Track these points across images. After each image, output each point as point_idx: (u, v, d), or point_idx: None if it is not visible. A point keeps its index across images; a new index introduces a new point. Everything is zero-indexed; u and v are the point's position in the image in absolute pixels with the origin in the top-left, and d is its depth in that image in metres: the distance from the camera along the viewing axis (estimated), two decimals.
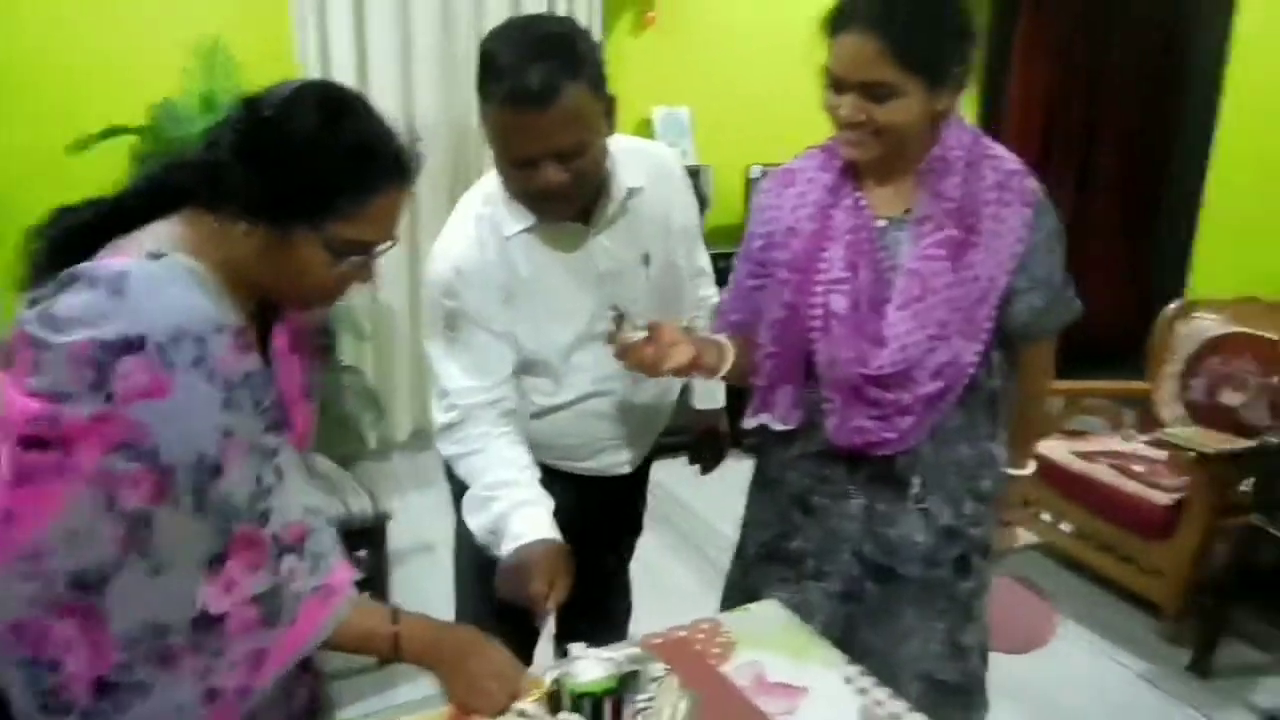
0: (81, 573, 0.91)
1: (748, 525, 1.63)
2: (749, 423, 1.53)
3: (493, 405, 1.49)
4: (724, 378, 1.50)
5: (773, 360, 1.46)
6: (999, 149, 1.40)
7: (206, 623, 0.97)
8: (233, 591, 0.99)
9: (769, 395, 1.48)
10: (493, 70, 1.30)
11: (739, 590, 1.62)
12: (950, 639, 1.49)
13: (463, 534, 1.70)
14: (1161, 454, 2.88)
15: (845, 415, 1.40)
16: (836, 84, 1.31)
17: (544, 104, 1.26)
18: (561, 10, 3.67)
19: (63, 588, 0.91)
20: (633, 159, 1.52)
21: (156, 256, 0.95)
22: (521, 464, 1.48)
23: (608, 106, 1.38)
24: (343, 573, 1.13)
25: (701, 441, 1.95)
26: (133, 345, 0.89)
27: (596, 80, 1.33)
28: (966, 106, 4.57)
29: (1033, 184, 1.38)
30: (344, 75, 3.40)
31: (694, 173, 3.87)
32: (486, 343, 1.48)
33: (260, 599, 1.01)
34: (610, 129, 1.40)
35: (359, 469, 3.69)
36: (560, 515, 1.45)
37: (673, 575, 3.02)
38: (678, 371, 1.39)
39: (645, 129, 4.03)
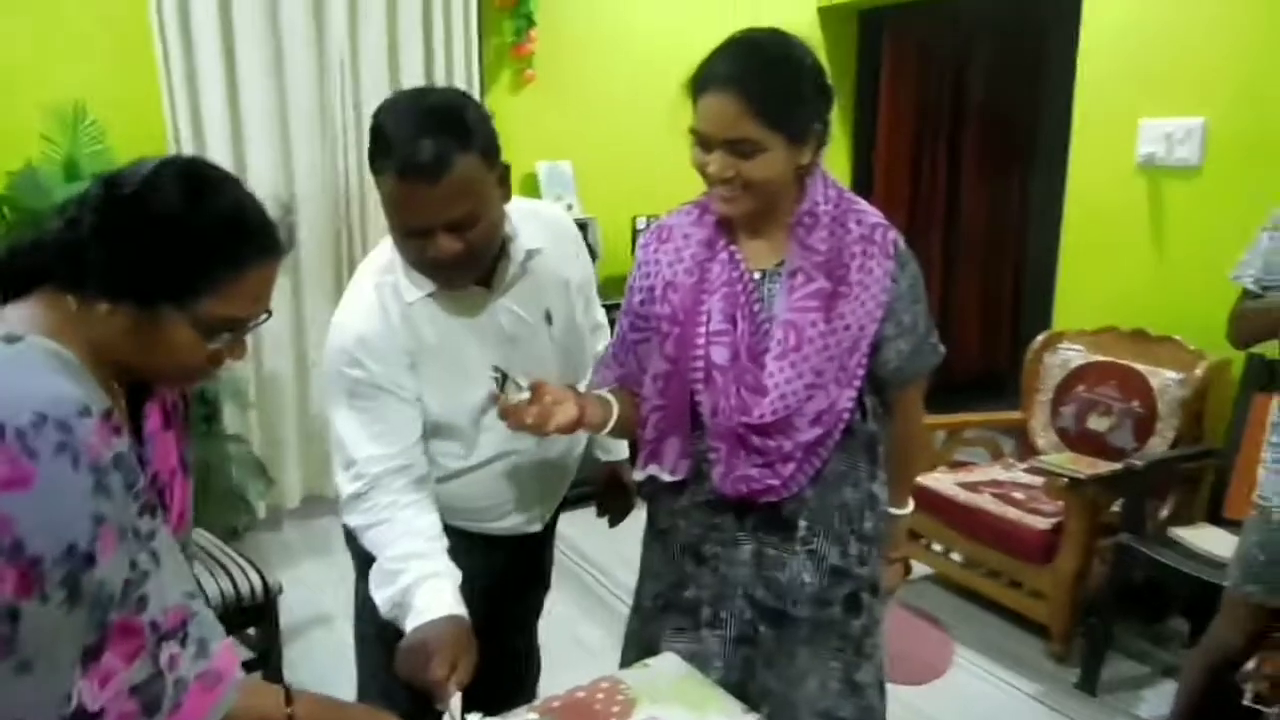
0: None
1: (643, 577, 1.64)
2: (638, 474, 1.55)
3: (401, 472, 1.46)
4: (610, 432, 1.51)
5: (659, 412, 1.48)
6: (863, 203, 1.47)
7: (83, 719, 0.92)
8: (109, 685, 0.94)
9: (657, 447, 1.50)
10: (384, 143, 1.30)
11: (637, 642, 1.62)
12: (846, 677, 1.52)
13: (365, 603, 1.65)
14: (1039, 480, 3.01)
15: (730, 464, 1.43)
16: (704, 142, 1.36)
17: (435, 176, 1.27)
18: (440, 69, 3.70)
19: None
20: (529, 220, 1.54)
21: (12, 340, 0.91)
22: (430, 534, 1.45)
23: (501, 174, 1.39)
24: (228, 656, 1.08)
25: (607, 493, 1.95)
26: None
27: (488, 150, 1.35)
28: (837, 163, 4.80)
29: (895, 236, 1.45)
30: (217, 139, 3.33)
31: (581, 225, 3.86)
32: (395, 409, 1.46)
33: (138, 689, 0.96)
34: (505, 196, 1.42)
35: (249, 539, 3.56)
36: (469, 576, 1.43)
37: (580, 630, 2.99)
38: (562, 429, 1.39)
39: (530, 183, 4.07)
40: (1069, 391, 3.24)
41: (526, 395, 1.36)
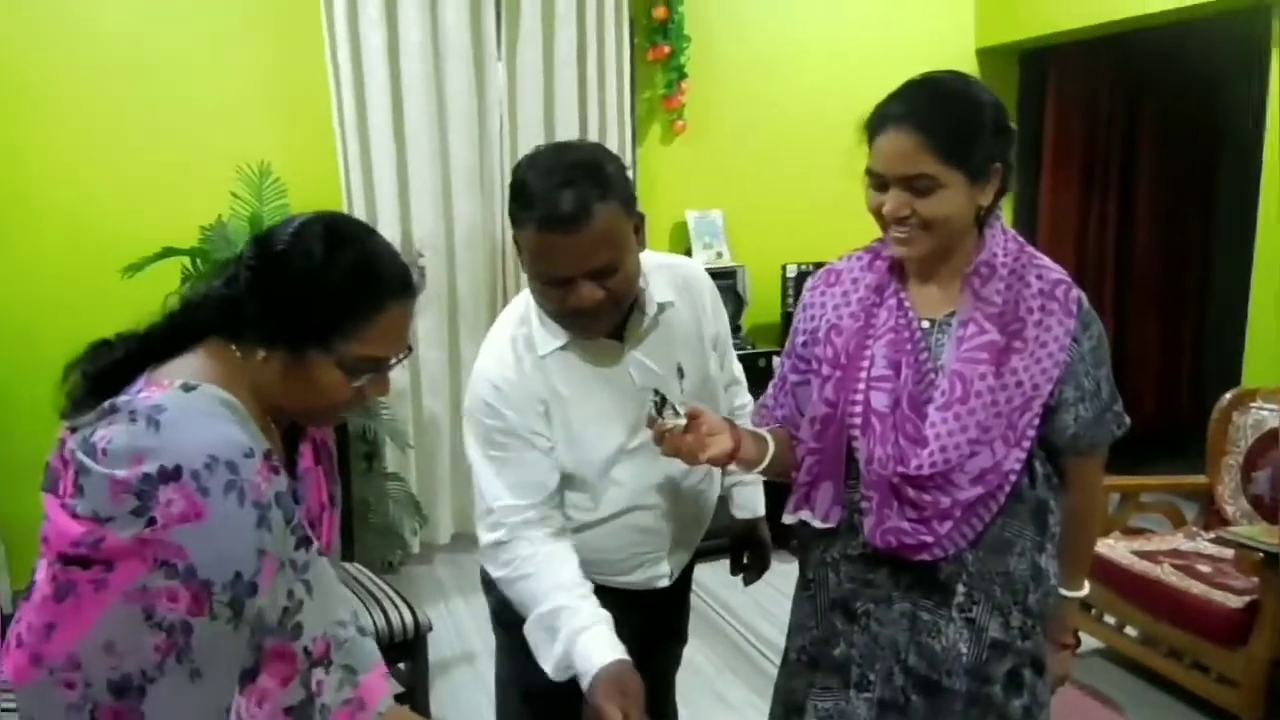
0: (123, 679, 0.95)
1: (791, 629, 1.59)
2: (788, 518, 1.50)
3: (541, 523, 1.48)
4: (764, 472, 1.47)
5: (814, 456, 1.44)
6: (1045, 259, 1.39)
7: None
8: (265, 705, 1.03)
9: (810, 492, 1.45)
10: (525, 196, 1.34)
11: (782, 697, 1.57)
12: None
13: (503, 648, 1.67)
14: (1228, 553, 2.74)
15: (882, 515, 1.37)
16: (879, 183, 1.32)
17: (576, 226, 1.29)
18: (594, 123, 3.80)
19: (103, 695, 0.95)
20: (661, 274, 1.54)
21: (189, 389, 1.00)
22: (575, 585, 1.45)
23: (637, 224, 1.41)
24: (376, 685, 1.13)
25: (742, 550, 1.90)
26: (170, 475, 0.93)
27: (626, 200, 1.37)
28: (1003, 210, 4.61)
29: (1079, 294, 1.37)
30: (386, 194, 3.54)
31: (730, 273, 3.92)
32: (531, 459, 1.48)
33: (292, 711, 1.05)
34: (641, 245, 1.43)
35: (402, 574, 3.69)
36: None
37: (721, 685, 2.92)
38: (715, 461, 1.37)
39: (680, 232, 4.11)
40: (1263, 455, 2.95)
41: (683, 422, 1.35)
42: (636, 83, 3.93)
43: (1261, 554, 2.47)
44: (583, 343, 1.47)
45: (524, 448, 1.47)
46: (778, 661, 1.65)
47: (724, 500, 1.83)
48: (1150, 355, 5.09)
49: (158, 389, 0.99)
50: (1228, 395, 3.13)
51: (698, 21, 3.95)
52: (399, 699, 2.35)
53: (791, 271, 3.95)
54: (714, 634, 3.22)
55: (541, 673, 1.42)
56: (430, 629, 2.49)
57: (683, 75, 3.96)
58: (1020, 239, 1.40)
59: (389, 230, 3.56)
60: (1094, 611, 2.97)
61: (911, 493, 1.34)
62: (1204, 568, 2.76)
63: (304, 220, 1.07)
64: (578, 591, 1.44)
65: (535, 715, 1.64)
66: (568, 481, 1.53)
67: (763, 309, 4.09)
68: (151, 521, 0.92)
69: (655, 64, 3.96)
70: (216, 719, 0.99)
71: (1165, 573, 2.76)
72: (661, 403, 1.37)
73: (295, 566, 1.04)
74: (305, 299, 1.03)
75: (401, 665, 2.51)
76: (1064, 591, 1.48)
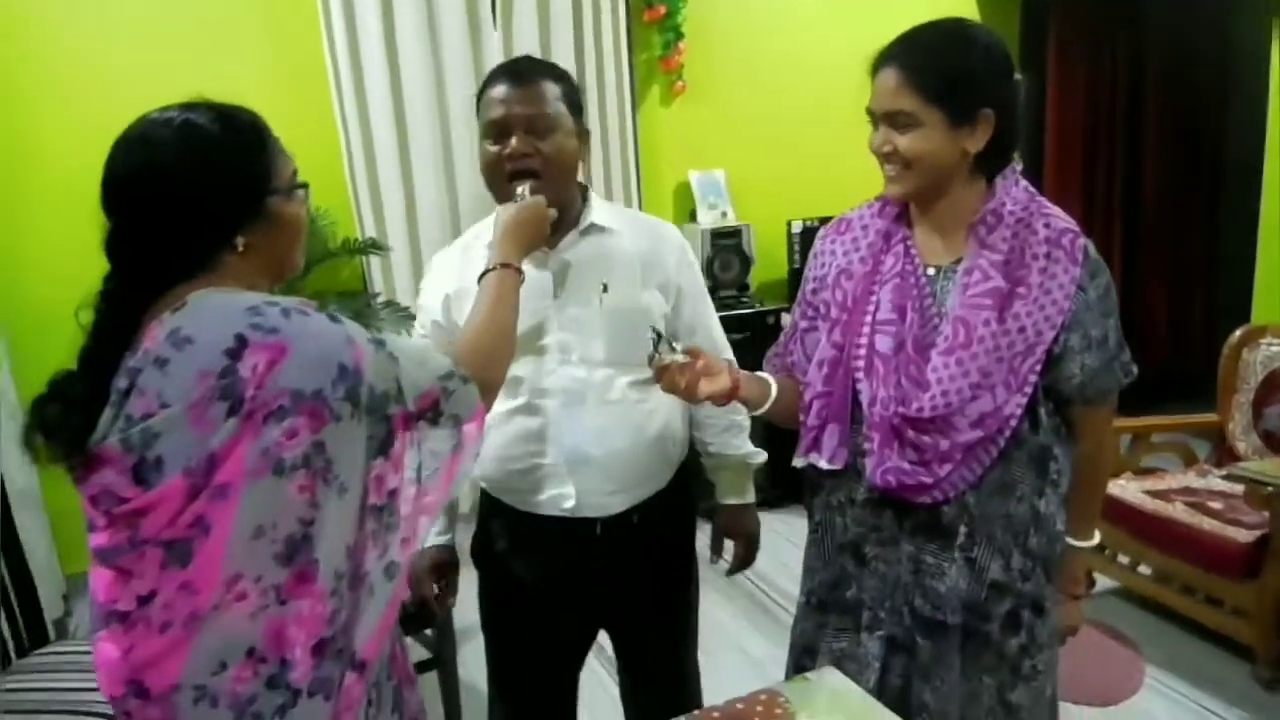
0: (287, 544, 1.00)
1: (804, 572, 1.62)
2: (798, 461, 1.53)
3: None
4: (768, 415, 1.52)
5: (821, 400, 1.47)
6: (1054, 209, 1.40)
7: (383, 503, 1.08)
8: (400, 470, 1.10)
9: (818, 435, 1.48)
10: (490, 74, 1.58)
11: (798, 640, 1.62)
12: (1000, 697, 1.46)
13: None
14: (1239, 489, 2.77)
15: (883, 455, 1.40)
16: (873, 119, 1.38)
17: (527, 79, 1.53)
18: (593, 84, 3.79)
19: (277, 574, 1.00)
20: (622, 216, 1.70)
21: (179, 308, 1.02)
22: None
23: (581, 132, 1.58)
24: (473, 430, 1.19)
25: (722, 536, 1.88)
26: (236, 349, 0.97)
27: (573, 100, 1.57)
28: None
29: (1085, 243, 1.37)
30: (388, 166, 3.56)
31: (735, 232, 3.93)
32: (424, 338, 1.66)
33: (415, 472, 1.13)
34: (581, 152, 1.59)
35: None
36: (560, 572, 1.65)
37: (746, 641, 2.98)
38: (715, 398, 1.41)
39: (684, 193, 4.11)
40: (1274, 391, 2.97)
41: (680, 358, 1.38)
42: (634, 45, 3.91)
43: (1271, 488, 2.50)
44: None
45: (422, 323, 1.68)
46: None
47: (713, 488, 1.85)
48: (1161, 299, 5.07)
49: (150, 341, 1.00)
50: (1237, 333, 3.14)
51: None
52: (425, 665, 2.44)
53: (797, 228, 3.96)
54: (734, 589, 3.27)
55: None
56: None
57: (680, 35, 3.94)
58: (1032, 190, 1.41)
59: (393, 206, 3.58)
60: (1108, 552, 3.01)
61: (912, 434, 1.37)
62: (1216, 504, 2.78)
63: (158, 134, 1.06)
64: None
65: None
66: None
67: (769, 266, 4.10)
68: (243, 401, 0.96)
69: (652, 25, 3.94)
70: (356, 516, 1.06)
71: (1177, 510, 2.79)
72: (658, 338, 1.40)
73: (378, 342, 1.09)
74: (241, 164, 1.08)
75: (429, 631, 2.57)
76: (1072, 542, 1.50)
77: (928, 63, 1.31)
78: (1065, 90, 4.66)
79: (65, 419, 1.01)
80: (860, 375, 1.42)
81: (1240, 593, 2.60)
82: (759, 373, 1.54)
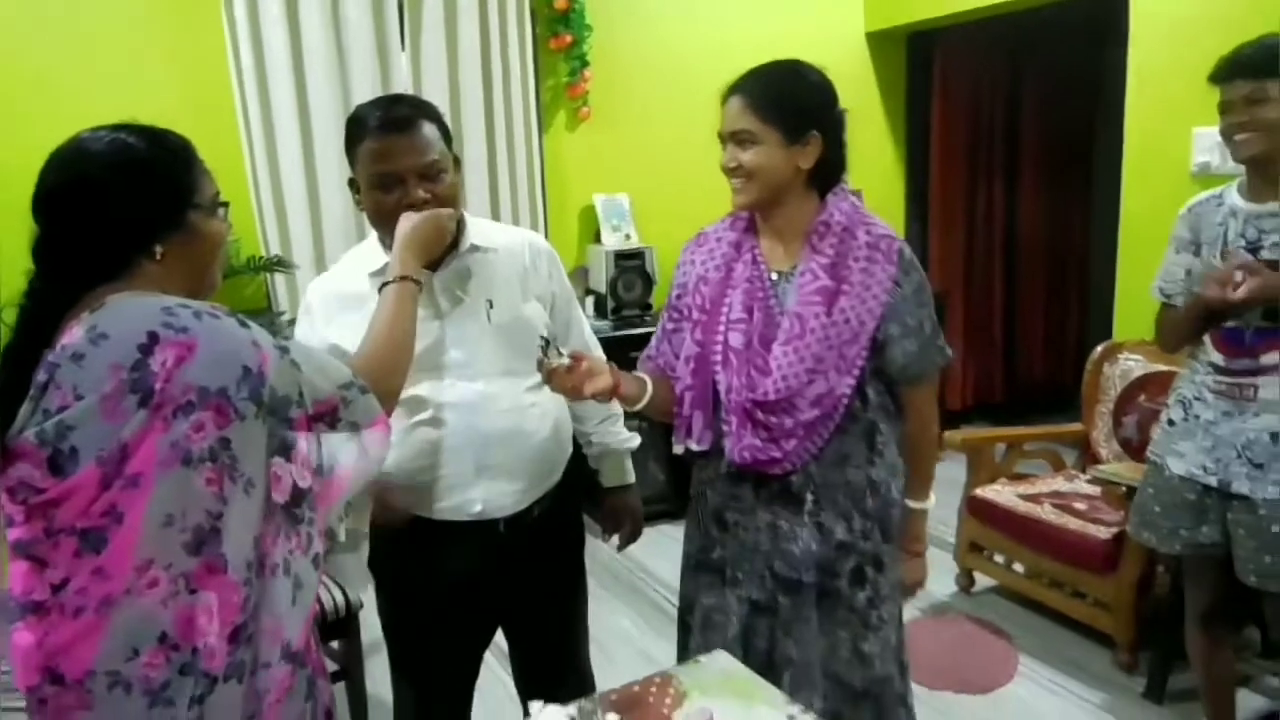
0: (195, 534, 1.05)
1: (684, 539, 1.83)
2: (676, 448, 1.74)
3: None
4: (644, 410, 1.70)
5: (689, 392, 1.68)
6: (876, 219, 1.65)
7: (297, 500, 1.14)
8: (309, 469, 1.16)
9: (688, 422, 1.69)
10: (359, 121, 1.60)
11: (681, 599, 1.83)
12: (854, 647, 1.66)
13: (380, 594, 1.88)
14: (1100, 490, 3.01)
15: (739, 436, 1.61)
16: (723, 141, 1.61)
17: (410, 127, 1.57)
18: (499, 112, 3.87)
19: (186, 562, 1.05)
20: (495, 231, 1.78)
21: (95, 309, 1.08)
22: None
23: (456, 158, 1.65)
24: (377, 434, 1.26)
25: (611, 517, 2.03)
26: (147, 345, 1.03)
27: (445, 133, 1.63)
28: (892, 185, 4.84)
29: (900, 245, 1.62)
30: (294, 184, 3.57)
31: (638, 254, 4.06)
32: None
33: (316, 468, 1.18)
34: (459, 182, 1.66)
35: (331, 562, 3.73)
36: (467, 573, 1.71)
37: (645, 642, 3.06)
38: (599, 395, 1.58)
39: (588, 216, 4.22)
40: (1131, 401, 3.23)
41: (567, 361, 1.54)
42: (540, 71, 4.01)
43: (1124, 488, 2.73)
44: None
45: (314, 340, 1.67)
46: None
47: (595, 473, 1.98)
48: (1038, 322, 5.41)
49: (69, 338, 1.06)
50: (1099, 348, 3.40)
51: (598, 10, 4.04)
52: (333, 677, 2.45)
53: None
54: (635, 596, 3.36)
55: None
56: (361, 606, 2.56)
57: (585, 64, 4.06)
58: (857, 204, 1.65)
59: (298, 224, 3.59)
60: (986, 552, 3.22)
61: (761, 415, 1.59)
62: (1080, 505, 3.02)
63: (90, 148, 1.13)
64: None
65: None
66: None
67: (670, 286, 4.22)
68: (153, 393, 1.02)
69: (558, 53, 4.05)
70: (261, 510, 1.11)
71: (1045, 511, 3.01)
72: (546, 344, 1.56)
73: (280, 349, 1.15)
74: (166, 179, 1.15)
75: (335, 644, 2.58)
76: (910, 503, 1.72)
77: (765, 90, 1.56)
78: (948, 121, 4.95)
79: None
80: (718, 368, 1.63)
81: (1101, 585, 2.83)
82: (635, 372, 1.72)
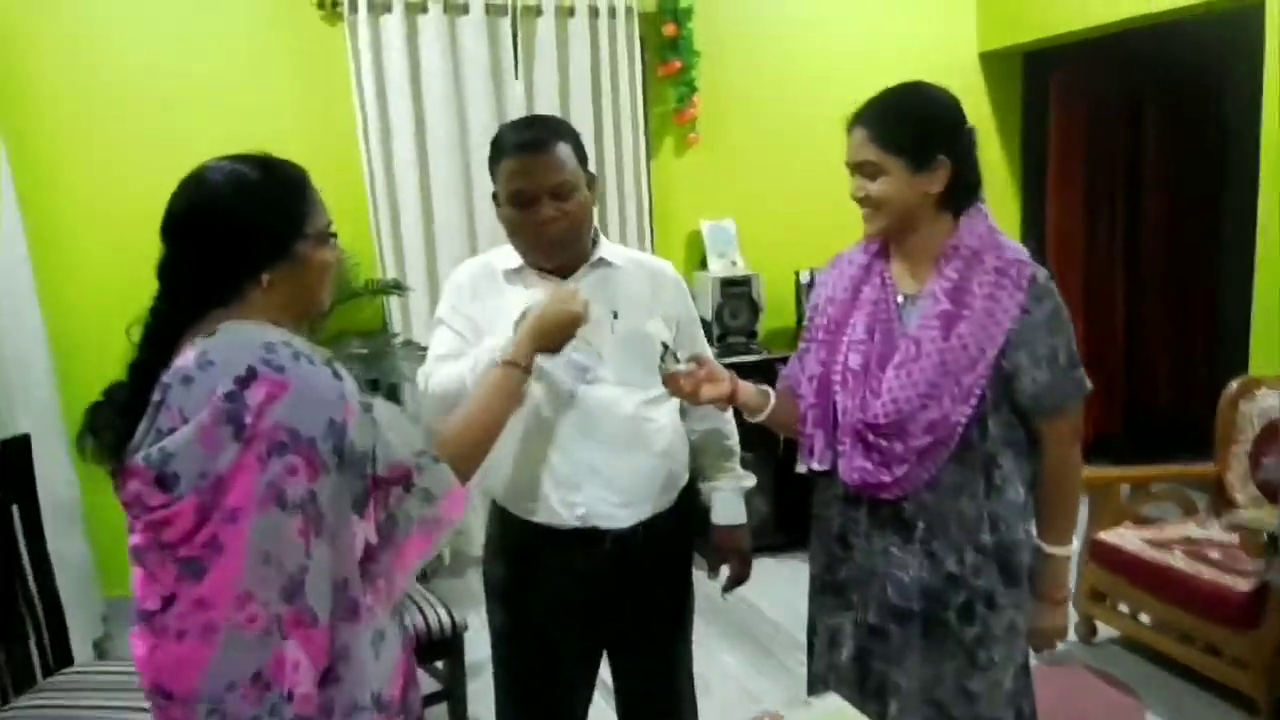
0: (289, 581, 1.08)
1: (809, 560, 1.81)
2: (800, 468, 1.73)
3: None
4: (766, 422, 1.73)
5: (812, 410, 1.69)
6: (1010, 242, 1.59)
7: (371, 555, 1.16)
8: (375, 524, 1.17)
9: (811, 441, 1.69)
10: (502, 141, 1.70)
11: (810, 618, 1.80)
12: (958, 684, 1.60)
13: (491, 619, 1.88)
14: (1236, 538, 2.82)
15: (851, 457, 1.61)
16: (849, 170, 1.60)
17: (543, 149, 1.66)
18: (609, 138, 3.92)
19: (280, 605, 1.07)
20: (623, 254, 1.83)
21: (210, 334, 1.12)
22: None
23: (590, 179, 1.73)
24: (453, 504, 1.26)
25: (717, 556, 1.98)
26: (245, 378, 1.07)
27: (580, 151, 1.71)
28: (1008, 206, 4.69)
29: (1033, 271, 1.55)
30: (410, 210, 3.68)
31: (744, 281, 4.02)
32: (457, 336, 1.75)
33: (380, 527, 1.19)
34: (592, 199, 1.73)
35: (434, 585, 3.79)
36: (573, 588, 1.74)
37: (749, 682, 3.01)
38: (714, 400, 1.63)
39: (695, 242, 4.22)
40: (1271, 442, 3.03)
41: (683, 368, 1.58)
42: (649, 98, 4.04)
43: (1266, 536, 2.55)
44: (533, 273, 1.74)
45: (455, 321, 1.76)
46: (804, 660, 1.84)
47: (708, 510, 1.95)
48: (1161, 354, 5.14)
49: (182, 360, 1.10)
50: (1233, 384, 3.19)
51: (707, 37, 4.05)
52: (435, 697, 2.48)
53: (805, 278, 4.04)
54: (739, 634, 3.30)
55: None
56: (466, 628, 2.59)
57: (693, 89, 4.07)
58: (994, 227, 1.59)
59: (413, 248, 3.70)
60: (1108, 600, 3.05)
61: (872, 438, 1.57)
62: (1214, 554, 2.83)
63: (210, 178, 1.19)
64: None
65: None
66: None
67: (777, 315, 4.19)
68: (245, 427, 1.05)
69: (666, 79, 4.08)
70: (351, 559, 1.13)
71: (1176, 559, 2.84)
72: (666, 350, 1.61)
73: (365, 407, 1.17)
74: (275, 210, 1.18)
75: (439, 664, 2.62)
76: (1047, 548, 1.64)
77: (886, 119, 1.54)
78: (1066, 143, 4.78)
79: (112, 423, 1.13)
80: (837, 388, 1.63)
81: (1239, 642, 2.64)
82: (762, 385, 1.74)
